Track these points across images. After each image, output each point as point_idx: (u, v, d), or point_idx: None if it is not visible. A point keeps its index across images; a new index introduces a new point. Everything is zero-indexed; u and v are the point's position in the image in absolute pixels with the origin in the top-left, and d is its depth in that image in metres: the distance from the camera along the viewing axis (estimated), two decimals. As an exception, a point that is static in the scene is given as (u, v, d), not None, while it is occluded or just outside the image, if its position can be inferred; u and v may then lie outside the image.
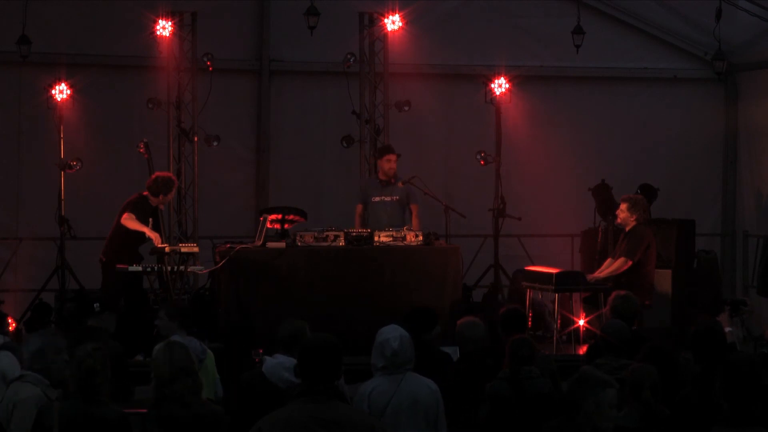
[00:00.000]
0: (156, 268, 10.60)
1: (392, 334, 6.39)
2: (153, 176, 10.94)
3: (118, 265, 10.47)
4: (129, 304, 10.65)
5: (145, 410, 6.01)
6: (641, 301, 9.91)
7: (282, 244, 10.51)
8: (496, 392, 6.93)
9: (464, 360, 7.71)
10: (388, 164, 11.39)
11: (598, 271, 11.04)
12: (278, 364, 6.55)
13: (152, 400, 5.89)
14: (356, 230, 10.71)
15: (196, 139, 12.70)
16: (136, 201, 10.80)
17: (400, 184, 11.50)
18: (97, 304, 8.95)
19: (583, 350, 10.39)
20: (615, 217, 11.24)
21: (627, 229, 10.95)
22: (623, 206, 10.97)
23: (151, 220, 10.63)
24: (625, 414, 6.35)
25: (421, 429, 6.38)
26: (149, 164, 11.48)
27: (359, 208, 11.47)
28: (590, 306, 10.91)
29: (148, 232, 10.52)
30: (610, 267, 10.95)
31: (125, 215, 10.65)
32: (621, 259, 10.85)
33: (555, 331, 10.77)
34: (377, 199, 11.34)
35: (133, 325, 10.10)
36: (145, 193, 10.83)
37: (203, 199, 12.84)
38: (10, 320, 10.42)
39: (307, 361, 4.95)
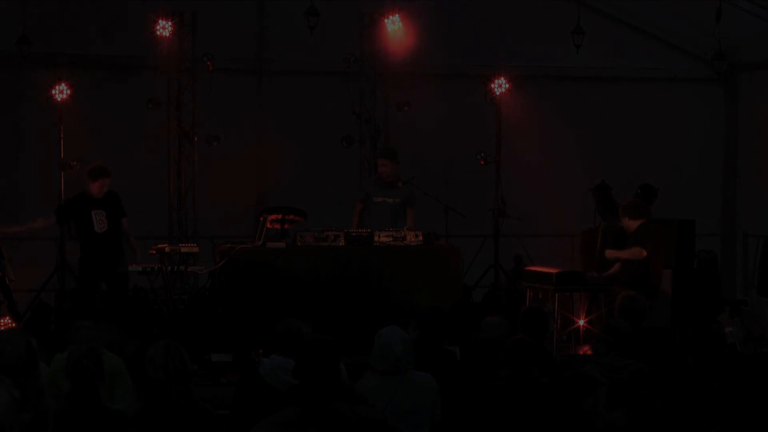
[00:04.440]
0: (156, 268, 10.60)
1: (394, 338, 6.36)
2: None
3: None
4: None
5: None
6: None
7: (282, 244, 10.50)
8: (497, 391, 6.93)
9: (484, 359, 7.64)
10: (380, 168, 11.34)
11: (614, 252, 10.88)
12: (277, 367, 6.53)
13: (145, 400, 5.90)
14: (356, 230, 10.70)
15: (196, 139, 12.71)
16: None
17: (399, 184, 11.50)
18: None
19: (583, 350, 10.40)
20: (616, 218, 11.19)
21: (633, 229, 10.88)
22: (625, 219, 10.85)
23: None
24: (623, 414, 6.36)
25: (423, 427, 6.38)
26: None
27: (358, 206, 11.42)
28: (594, 307, 10.91)
29: None
30: (625, 252, 10.71)
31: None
32: (636, 248, 10.62)
33: (555, 331, 10.76)
34: (379, 199, 11.30)
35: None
36: None
37: (203, 199, 12.84)
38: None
39: (305, 363, 4.94)
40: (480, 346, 7.66)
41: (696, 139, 14.51)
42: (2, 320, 10.52)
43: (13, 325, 10.35)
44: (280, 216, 10.80)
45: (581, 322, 10.78)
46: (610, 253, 10.88)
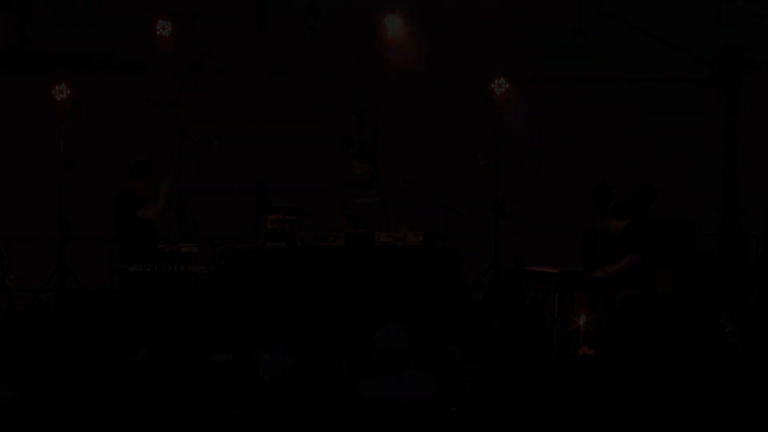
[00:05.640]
0: (156, 268, 10.59)
1: (393, 337, 6.38)
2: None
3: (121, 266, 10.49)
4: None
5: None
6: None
7: (282, 244, 10.51)
8: (495, 389, 6.93)
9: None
10: (356, 170, 11.35)
11: (600, 271, 10.81)
12: (267, 361, 6.56)
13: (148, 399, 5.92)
14: (356, 230, 10.70)
15: (196, 139, 12.71)
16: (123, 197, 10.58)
17: (400, 184, 11.50)
18: None
19: (582, 350, 10.40)
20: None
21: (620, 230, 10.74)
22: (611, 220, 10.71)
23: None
24: (622, 414, 6.36)
25: (425, 425, 6.39)
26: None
27: (341, 210, 11.42)
28: (594, 307, 10.89)
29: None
30: (616, 265, 10.51)
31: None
32: (629, 256, 10.50)
33: (555, 331, 10.76)
34: (360, 200, 11.32)
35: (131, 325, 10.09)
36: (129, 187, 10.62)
37: (203, 199, 12.84)
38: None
39: (307, 362, 4.96)
40: (496, 341, 7.66)
41: (696, 139, 14.51)
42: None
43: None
44: (280, 216, 10.80)
45: (581, 322, 10.78)
46: (605, 271, 10.57)
